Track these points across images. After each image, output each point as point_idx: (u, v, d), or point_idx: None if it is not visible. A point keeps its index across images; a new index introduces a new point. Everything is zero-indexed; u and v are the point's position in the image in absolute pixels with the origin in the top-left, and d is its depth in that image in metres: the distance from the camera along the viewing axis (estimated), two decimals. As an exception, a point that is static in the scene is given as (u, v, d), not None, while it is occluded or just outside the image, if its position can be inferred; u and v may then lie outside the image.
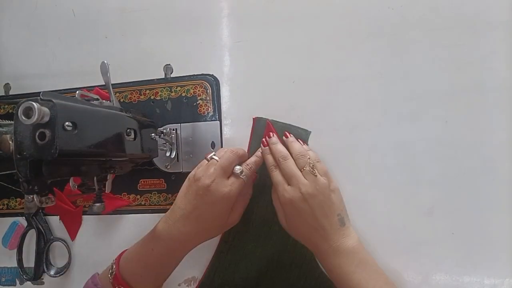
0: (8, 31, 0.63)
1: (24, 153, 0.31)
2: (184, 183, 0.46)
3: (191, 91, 0.54)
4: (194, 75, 0.54)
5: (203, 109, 0.53)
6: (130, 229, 0.54)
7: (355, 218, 0.49)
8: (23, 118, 0.29)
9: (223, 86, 0.54)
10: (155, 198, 0.54)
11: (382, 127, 0.49)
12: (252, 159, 0.47)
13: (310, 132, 0.50)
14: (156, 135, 0.49)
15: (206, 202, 0.43)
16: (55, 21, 0.61)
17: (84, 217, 0.57)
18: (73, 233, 0.57)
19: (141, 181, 0.55)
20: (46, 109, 0.30)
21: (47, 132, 0.31)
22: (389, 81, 0.49)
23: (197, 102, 0.54)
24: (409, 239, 0.47)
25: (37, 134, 0.31)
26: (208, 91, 0.54)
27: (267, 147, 0.47)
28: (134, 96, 0.56)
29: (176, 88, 0.54)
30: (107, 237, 0.56)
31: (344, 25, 0.51)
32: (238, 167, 0.44)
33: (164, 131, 0.50)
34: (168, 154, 0.51)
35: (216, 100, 0.53)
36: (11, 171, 0.36)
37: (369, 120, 0.49)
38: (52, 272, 0.56)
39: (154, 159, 0.52)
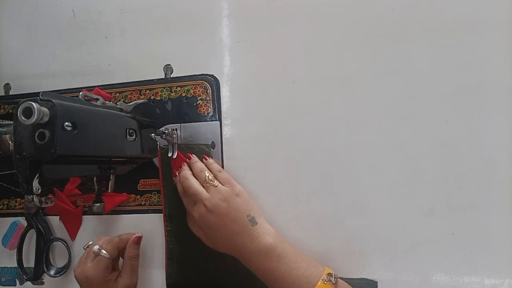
0: (8, 31, 0.63)
1: (24, 153, 0.31)
2: None
3: (191, 91, 0.54)
4: (194, 75, 0.54)
5: (203, 109, 0.53)
6: (130, 229, 0.54)
7: (355, 218, 0.49)
8: (23, 118, 0.29)
9: (223, 86, 0.54)
10: (155, 198, 0.54)
11: (382, 127, 0.49)
12: (116, 238, 0.50)
13: (210, 144, 0.52)
14: (157, 135, 0.49)
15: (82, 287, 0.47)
16: (55, 21, 0.61)
17: (84, 217, 0.57)
18: (73, 233, 0.57)
19: (141, 181, 0.55)
20: (45, 109, 0.30)
21: (47, 132, 0.31)
22: (389, 81, 0.49)
23: (197, 102, 0.54)
24: (409, 239, 0.47)
25: (36, 134, 0.31)
26: (208, 91, 0.54)
27: (177, 177, 0.50)
28: (134, 96, 0.56)
29: (176, 88, 0.54)
30: (107, 237, 0.56)
31: (344, 25, 0.51)
32: (96, 246, 0.47)
33: (166, 131, 0.50)
34: (169, 154, 0.51)
35: (216, 100, 0.53)
36: (11, 171, 0.36)
37: (369, 120, 0.49)
38: (52, 272, 0.56)
39: (154, 159, 0.53)
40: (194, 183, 0.47)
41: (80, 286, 0.47)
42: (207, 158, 0.50)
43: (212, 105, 0.53)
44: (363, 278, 0.48)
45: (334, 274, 0.43)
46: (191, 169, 0.49)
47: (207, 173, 0.47)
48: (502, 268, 0.45)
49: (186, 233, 0.50)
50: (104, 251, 0.47)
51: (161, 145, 0.51)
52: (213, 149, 0.52)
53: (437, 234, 0.47)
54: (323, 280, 0.42)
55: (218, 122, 0.53)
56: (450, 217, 0.47)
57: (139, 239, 0.51)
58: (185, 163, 0.50)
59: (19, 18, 0.63)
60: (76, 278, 0.47)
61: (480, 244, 0.46)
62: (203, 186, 0.46)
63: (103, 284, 0.46)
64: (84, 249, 0.49)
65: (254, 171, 0.52)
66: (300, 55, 0.52)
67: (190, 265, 0.51)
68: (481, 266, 0.46)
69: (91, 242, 0.49)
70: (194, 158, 0.50)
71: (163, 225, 0.52)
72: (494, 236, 0.46)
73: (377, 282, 0.48)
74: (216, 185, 0.46)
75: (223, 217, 0.44)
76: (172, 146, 0.51)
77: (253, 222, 0.45)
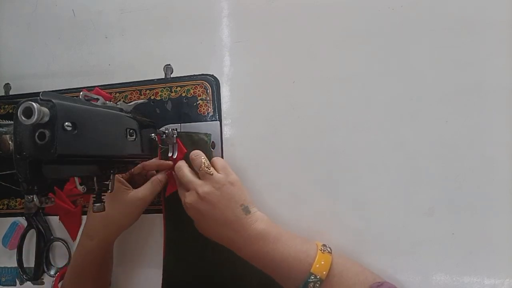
0: (8, 31, 0.63)
1: (24, 153, 0.31)
2: None
3: (191, 91, 0.54)
4: (194, 75, 0.54)
5: (203, 109, 0.53)
6: (130, 229, 0.54)
7: (355, 218, 0.49)
8: (23, 118, 0.29)
9: (223, 86, 0.54)
10: (155, 198, 0.54)
11: (382, 127, 0.49)
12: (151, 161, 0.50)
13: (210, 134, 0.51)
14: (157, 135, 0.49)
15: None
16: (55, 21, 0.61)
17: (84, 217, 0.57)
18: (73, 234, 0.57)
19: (141, 181, 0.55)
20: (45, 109, 0.30)
21: (47, 132, 0.31)
22: (389, 81, 0.49)
23: (197, 102, 0.54)
24: (409, 239, 0.47)
25: (36, 134, 0.31)
26: (208, 91, 0.54)
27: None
28: (134, 96, 0.56)
29: (176, 88, 0.54)
30: (107, 237, 0.56)
31: (344, 25, 0.51)
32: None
33: (166, 131, 0.50)
34: (170, 154, 0.51)
35: (216, 100, 0.53)
36: (11, 171, 0.36)
37: (369, 120, 0.49)
38: (52, 272, 0.56)
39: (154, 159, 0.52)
40: (187, 172, 0.47)
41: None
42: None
43: (212, 105, 0.53)
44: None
45: (328, 245, 0.44)
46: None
47: (203, 159, 0.46)
48: (502, 268, 0.45)
49: (185, 230, 0.50)
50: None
51: (161, 145, 0.51)
52: (213, 149, 0.52)
53: (437, 234, 0.47)
54: (321, 250, 0.42)
55: (218, 122, 0.53)
56: (450, 217, 0.47)
57: (170, 173, 0.51)
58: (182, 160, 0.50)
59: (19, 18, 0.63)
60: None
61: (480, 244, 0.46)
62: (198, 173, 0.46)
63: (116, 189, 0.46)
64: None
65: (254, 171, 0.52)
66: (300, 55, 0.52)
67: (187, 255, 0.51)
68: (481, 266, 0.46)
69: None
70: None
71: (163, 227, 0.52)
72: (494, 236, 0.46)
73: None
74: (211, 172, 0.45)
75: (214, 205, 0.44)
76: (172, 146, 0.51)
77: (246, 211, 0.44)
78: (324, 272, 0.40)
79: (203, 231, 0.47)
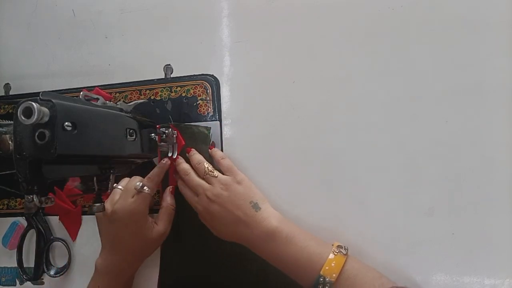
0: (8, 31, 0.63)
1: (24, 153, 0.31)
2: (97, 221, 0.49)
3: (191, 91, 0.54)
4: (194, 75, 0.54)
5: (203, 109, 0.53)
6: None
7: (355, 218, 0.49)
8: (23, 118, 0.29)
9: (223, 86, 0.54)
10: (155, 198, 0.54)
11: (382, 127, 0.49)
12: (154, 170, 0.48)
13: (210, 128, 0.52)
14: (157, 135, 0.49)
15: (117, 225, 0.45)
16: (55, 21, 0.61)
17: (84, 217, 0.57)
18: (73, 234, 0.57)
19: (141, 181, 0.55)
20: (45, 109, 0.30)
21: (47, 132, 0.31)
22: (389, 81, 0.49)
23: (197, 102, 0.54)
24: (409, 239, 0.47)
25: (36, 134, 0.31)
26: (208, 91, 0.54)
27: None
28: (134, 96, 0.56)
29: (176, 88, 0.54)
30: (107, 237, 0.56)
31: (344, 25, 0.51)
32: (137, 183, 0.46)
33: (166, 131, 0.50)
34: (170, 154, 0.51)
35: (216, 100, 0.53)
36: (11, 171, 0.36)
37: (369, 120, 0.49)
38: (52, 272, 0.56)
39: (154, 159, 0.52)
40: (195, 177, 0.47)
41: (116, 222, 0.45)
42: (212, 147, 0.51)
43: (212, 105, 0.53)
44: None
45: (344, 246, 0.43)
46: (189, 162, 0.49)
47: (206, 165, 0.47)
48: (502, 268, 0.45)
49: (184, 230, 0.50)
50: (146, 188, 0.46)
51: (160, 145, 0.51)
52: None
53: (437, 234, 0.47)
54: (333, 252, 0.42)
55: (218, 122, 0.53)
56: (450, 217, 0.47)
57: (174, 190, 0.51)
58: (179, 157, 0.50)
59: (19, 18, 0.63)
60: (112, 215, 0.45)
61: (480, 244, 0.46)
62: (203, 179, 0.47)
63: (143, 224, 0.46)
64: (112, 188, 0.46)
65: (254, 171, 0.51)
66: (300, 55, 0.52)
67: (184, 255, 0.52)
68: (481, 266, 0.46)
69: (119, 184, 0.47)
70: (193, 151, 0.50)
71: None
72: (494, 236, 0.46)
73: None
74: (216, 175, 0.46)
75: (225, 206, 0.44)
76: (172, 146, 0.51)
77: (256, 207, 0.45)
78: (334, 275, 0.40)
79: (219, 234, 0.47)
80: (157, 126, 0.50)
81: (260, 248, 0.44)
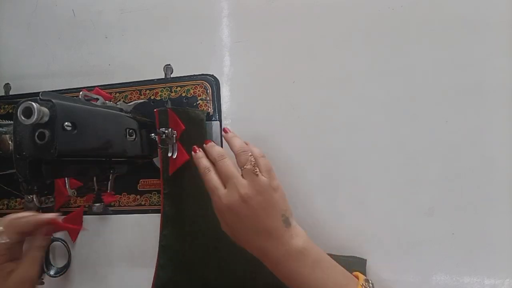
0: (8, 31, 0.63)
1: (24, 153, 0.31)
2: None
3: (191, 91, 0.54)
4: (194, 75, 0.54)
5: (203, 109, 0.53)
6: (130, 229, 0.54)
7: (355, 218, 0.49)
8: (23, 118, 0.29)
9: (223, 86, 0.54)
10: (155, 198, 0.54)
11: (382, 127, 0.49)
12: (28, 216, 0.37)
13: (206, 112, 0.51)
14: (157, 135, 0.49)
15: None
16: (55, 21, 0.61)
17: (84, 217, 0.57)
18: (73, 234, 0.57)
19: (141, 181, 0.55)
20: (45, 109, 0.30)
21: (47, 132, 0.31)
22: (389, 81, 0.49)
23: (197, 102, 0.54)
24: (409, 239, 0.47)
25: (36, 134, 0.31)
26: (208, 91, 0.54)
27: (198, 153, 0.44)
28: (134, 96, 0.56)
29: (176, 88, 0.54)
30: (107, 237, 0.56)
31: (344, 25, 0.51)
32: None
33: (166, 131, 0.50)
34: (170, 154, 0.51)
35: (216, 100, 0.53)
36: (11, 171, 0.36)
37: (369, 120, 0.49)
38: (52, 272, 0.56)
39: (154, 159, 0.52)
40: (231, 165, 0.41)
41: None
42: (233, 134, 0.44)
43: (212, 105, 0.53)
44: (353, 256, 0.47)
45: (370, 281, 0.40)
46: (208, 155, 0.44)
47: (251, 156, 0.41)
48: (502, 268, 0.45)
49: (183, 233, 0.50)
50: (3, 236, 0.36)
51: (161, 145, 0.51)
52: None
53: (437, 234, 0.47)
54: (362, 286, 0.38)
55: (218, 122, 0.53)
56: (450, 217, 0.47)
57: (53, 230, 0.40)
58: (211, 141, 0.46)
59: (19, 18, 0.63)
60: None
61: (480, 244, 0.46)
62: (240, 170, 0.41)
63: None
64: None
65: (254, 171, 0.51)
66: (300, 55, 0.52)
67: (182, 257, 0.51)
68: (481, 266, 0.46)
69: None
70: (232, 133, 0.45)
71: (160, 227, 0.52)
72: (494, 236, 0.46)
73: (365, 259, 0.47)
74: (257, 173, 0.40)
75: (256, 211, 0.39)
76: (172, 146, 0.51)
77: (287, 223, 0.40)
78: None
79: (235, 236, 0.42)
80: (155, 110, 0.49)
81: (280, 266, 0.39)
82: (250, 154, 0.41)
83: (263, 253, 0.40)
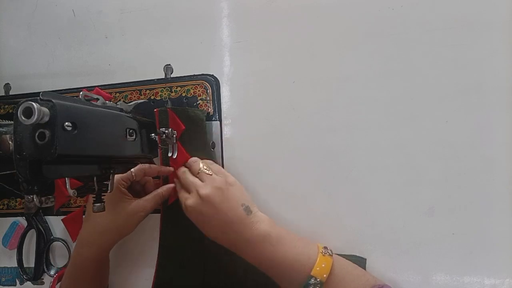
0: (8, 31, 0.63)
1: (24, 153, 0.31)
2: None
3: (191, 91, 0.54)
4: (194, 75, 0.54)
5: (203, 109, 0.53)
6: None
7: (355, 218, 0.49)
8: (23, 118, 0.29)
9: (223, 86, 0.54)
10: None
11: (382, 127, 0.49)
12: (153, 166, 0.50)
13: (206, 111, 0.52)
14: (157, 135, 0.49)
15: None
16: (55, 21, 0.61)
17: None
18: (73, 234, 0.57)
19: (141, 181, 0.54)
20: (45, 109, 0.30)
21: (47, 132, 0.31)
22: (389, 81, 0.49)
23: (197, 102, 0.54)
24: (409, 239, 0.47)
25: (36, 134, 0.31)
26: (208, 91, 0.54)
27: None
28: (134, 96, 0.56)
29: (176, 88, 0.54)
30: (107, 237, 0.56)
31: (344, 25, 0.51)
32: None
33: (166, 131, 0.50)
34: (170, 154, 0.51)
35: (216, 100, 0.53)
36: (11, 171, 0.36)
37: (369, 120, 0.49)
38: (52, 272, 0.56)
39: (154, 159, 0.52)
40: (189, 175, 0.47)
41: None
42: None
43: (212, 105, 0.53)
44: (353, 255, 0.48)
45: (328, 248, 0.43)
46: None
47: (201, 164, 0.47)
48: (502, 268, 0.45)
49: (182, 231, 0.50)
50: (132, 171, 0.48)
51: (161, 145, 0.51)
52: (213, 149, 0.52)
53: (437, 234, 0.47)
54: (322, 253, 0.42)
55: (218, 122, 0.53)
56: (450, 217, 0.47)
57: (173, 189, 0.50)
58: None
59: (19, 18, 0.63)
60: None
61: (480, 244, 0.46)
62: (197, 176, 0.46)
63: (118, 193, 0.47)
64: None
65: (254, 171, 0.52)
66: (300, 55, 0.52)
67: (180, 264, 0.51)
68: (481, 266, 0.46)
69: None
70: (193, 158, 0.50)
71: (160, 227, 0.52)
72: (494, 236, 0.46)
73: (365, 259, 0.48)
74: (210, 173, 0.45)
75: (217, 207, 0.43)
76: (172, 146, 0.51)
77: (248, 211, 0.44)
78: (325, 275, 0.40)
79: (208, 233, 0.46)
80: (155, 110, 0.50)
81: (248, 251, 0.43)
82: (200, 161, 0.47)
83: (232, 243, 0.44)
